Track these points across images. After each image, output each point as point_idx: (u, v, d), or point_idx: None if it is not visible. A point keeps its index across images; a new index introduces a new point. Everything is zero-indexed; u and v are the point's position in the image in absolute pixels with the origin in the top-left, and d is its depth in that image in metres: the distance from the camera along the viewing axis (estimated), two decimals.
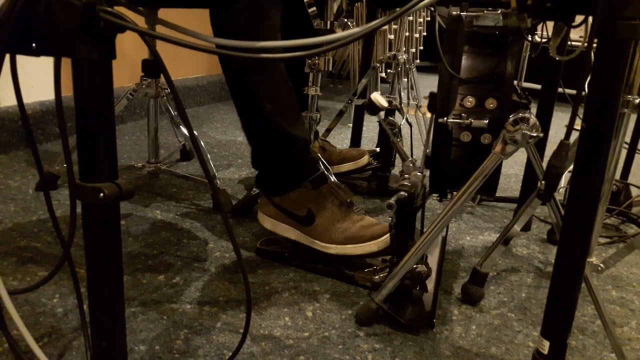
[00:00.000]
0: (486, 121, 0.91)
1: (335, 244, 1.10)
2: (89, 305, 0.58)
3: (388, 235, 1.09)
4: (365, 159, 1.64)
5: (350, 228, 1.10)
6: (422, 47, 3.66)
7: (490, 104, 0.90)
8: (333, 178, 1.19)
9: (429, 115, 1.01)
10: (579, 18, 0.66)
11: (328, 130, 1.80)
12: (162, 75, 1.48)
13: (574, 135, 0.63)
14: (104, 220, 0.56)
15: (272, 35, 1.03)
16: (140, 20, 0.77)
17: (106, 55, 0.51)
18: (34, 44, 0.53)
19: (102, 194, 0.52)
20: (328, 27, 1.29)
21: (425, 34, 3.70)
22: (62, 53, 0.51)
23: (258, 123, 1.09)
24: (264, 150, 1.14)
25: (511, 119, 0.82)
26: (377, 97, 1.20)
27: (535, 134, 0.81)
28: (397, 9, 0.55)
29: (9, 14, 0.50)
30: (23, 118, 0.58)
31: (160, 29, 0.68)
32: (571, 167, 0.65)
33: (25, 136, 1.75)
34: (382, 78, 3.08)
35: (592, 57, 0.61)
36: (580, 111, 0.63)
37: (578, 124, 0.63)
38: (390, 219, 0.96)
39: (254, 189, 1.36)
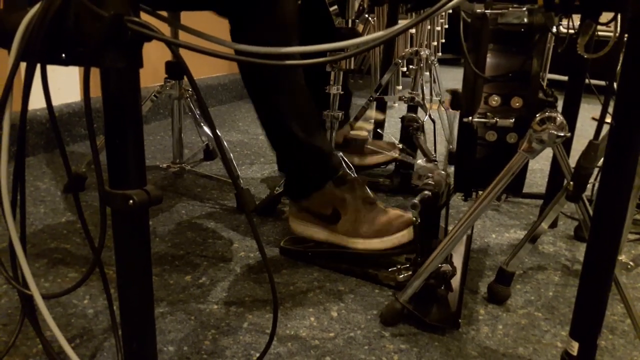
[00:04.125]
0: (512, 120, 0.89)
1: (362, 239, 1.11)
2: (120, 308, 0.60)
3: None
4: (395, 151, 1.64)
5: (376, 221, 1.11)
6: (444, 40, 3.62)
7: (516, 102, 0.89)
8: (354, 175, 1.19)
9: (451, 110, 1.00)
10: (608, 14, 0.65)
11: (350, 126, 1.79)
12: (185, 77, 1.49)
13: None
14: (134, 226, 0.56)
15: (292, 39, 1.04)
16: (162, 25, 0.78)
17: (133, 64, 0.52)
18: (63, 54, 0.54)
19: (131, 201, 0.53)
20: (350, 25, 1.29)
21: (447, 26, 3.66)
22: (90, 63, 0.52)
23: (280, 134, 1.12)
24: (286, 158, 1.17)
25: (538, 118, 0.81)
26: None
27: (562, 134, 0.79)
28: (422, 10, 0.55)
29: (39, 26, 0.51)
30: (52, 123, 0.59)
31: (183, 34, 0.69)
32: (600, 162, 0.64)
33: (53, 139, 1.78)
34: (403, 73, 3.06)
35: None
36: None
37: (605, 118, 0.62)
38: (414, 218, 0.96)
39: (277, 188, 1.37)
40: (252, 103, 1.10)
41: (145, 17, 0.53)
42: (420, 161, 0.94)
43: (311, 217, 1.15)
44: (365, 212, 1.12)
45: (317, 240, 1.16)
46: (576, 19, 0.79)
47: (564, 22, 0.95)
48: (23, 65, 0.54)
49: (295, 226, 1.18)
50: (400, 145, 1.66)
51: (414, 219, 0.95)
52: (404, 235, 1.10)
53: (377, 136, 1.89)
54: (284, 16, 1.01)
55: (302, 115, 1.10)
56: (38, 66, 0.55)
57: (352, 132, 1.67)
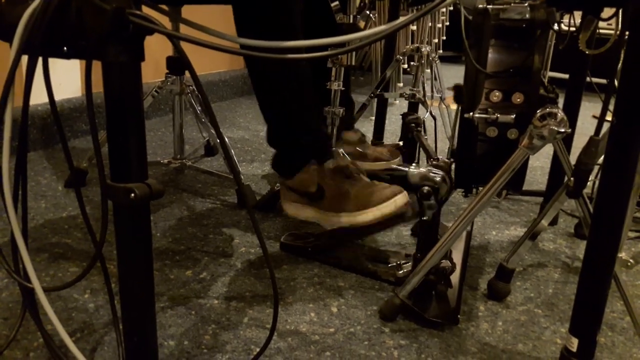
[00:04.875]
0: (513, 116, 0.89)
1: (347, 213, 1.10)
2: (121, 302, 0.60)
3: (399, 196, 1.09)
4: (398, 161, 1.63)
5: (360, 195, 1.11)
6: (444, 37, 3.62)
7: (517, 98, 0.89)
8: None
9: (453, 107, 1.00)
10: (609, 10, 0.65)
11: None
12: (186, 72, 1.49)
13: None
14: (135, 220, 0.57)
15: (295, 27, 1.04)
16: (163, 19, 0.78)
17: (135, 58, 0.52)
18: (65, 48, 0.54)
19: (133, 194, 0.53)
20: (351, 21, 1.28)
21: (448, 23, 3.66)
22: (92, 56, 0.52)
23: (273, 106, 1.11)
24: (277, 131, 1.16)
25: (538, 114, 0.81)
26: None
27: (563, 130, 0.79)
28: (423, 6, 0.55)
29: (41, 19, 0.51)
30: (55, 117, 0.60)
31: (184, 28, 0.69)
32: (601, 160, 0.64)
33: (53, 134, 1.78)
34: (404, 70, 3.05)
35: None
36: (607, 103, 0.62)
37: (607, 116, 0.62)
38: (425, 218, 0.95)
39: (277, 184, 1.37)
40: (249, 73, 1.09)
41: (146, 11, 0.53)
42: (412, 168, 0.93)
43: (299, 197, 1.15)
44: (349, 187, 1.11)
45: (305, 219, 1.15)
46: (577, 17, 0.79)
47: (565, 19, 0.95)
48: (24, 59, 0.54)
49: (287, 207, 1.18)
50: (401, 143, 1.66)
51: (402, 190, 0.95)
52: (387, 206, 1.09)
53: (379, 137, 1.88)
54: (288, 8, 1.01)
55: (296, 86, 1.09)
56: (39, 60, 0.55)
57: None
